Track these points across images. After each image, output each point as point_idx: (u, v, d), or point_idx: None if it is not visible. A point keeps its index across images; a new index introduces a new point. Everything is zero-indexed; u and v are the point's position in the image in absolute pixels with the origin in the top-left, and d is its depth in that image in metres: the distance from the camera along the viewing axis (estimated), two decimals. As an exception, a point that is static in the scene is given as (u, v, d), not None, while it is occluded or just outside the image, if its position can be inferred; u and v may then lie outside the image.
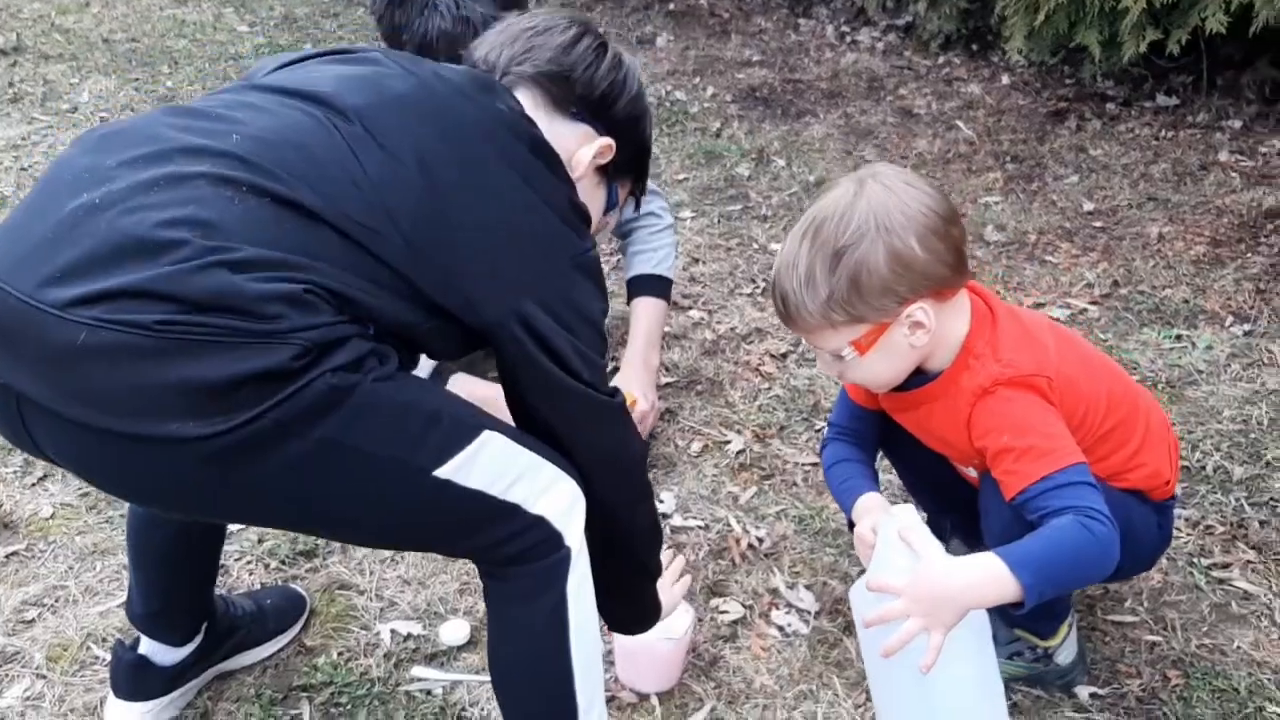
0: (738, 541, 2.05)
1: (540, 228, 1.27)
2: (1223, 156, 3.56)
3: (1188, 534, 2.01)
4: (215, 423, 1.06)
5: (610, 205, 1.51)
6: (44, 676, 1.80)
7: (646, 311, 2.37)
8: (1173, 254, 2.99)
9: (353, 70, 1.27)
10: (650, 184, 2.31)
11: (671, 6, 5.73)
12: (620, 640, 1.71)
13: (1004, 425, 1.46)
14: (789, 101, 4.33)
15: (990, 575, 1.33)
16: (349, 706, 1.74)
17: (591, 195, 1.45)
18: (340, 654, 1.84)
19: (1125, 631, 1.83)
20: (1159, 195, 3.34)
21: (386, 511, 1.23)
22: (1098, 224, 3.21)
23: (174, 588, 1.65)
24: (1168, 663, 1.77)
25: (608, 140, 1.43)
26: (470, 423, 1.23)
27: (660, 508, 2.14)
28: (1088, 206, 3.30)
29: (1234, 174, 3.44)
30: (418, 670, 1.80)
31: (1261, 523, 2.04)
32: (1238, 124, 3.78)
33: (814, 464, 2.21)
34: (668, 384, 2.50)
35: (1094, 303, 2.78)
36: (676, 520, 2.10)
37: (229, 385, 1.05)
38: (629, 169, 1.52)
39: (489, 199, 1.23)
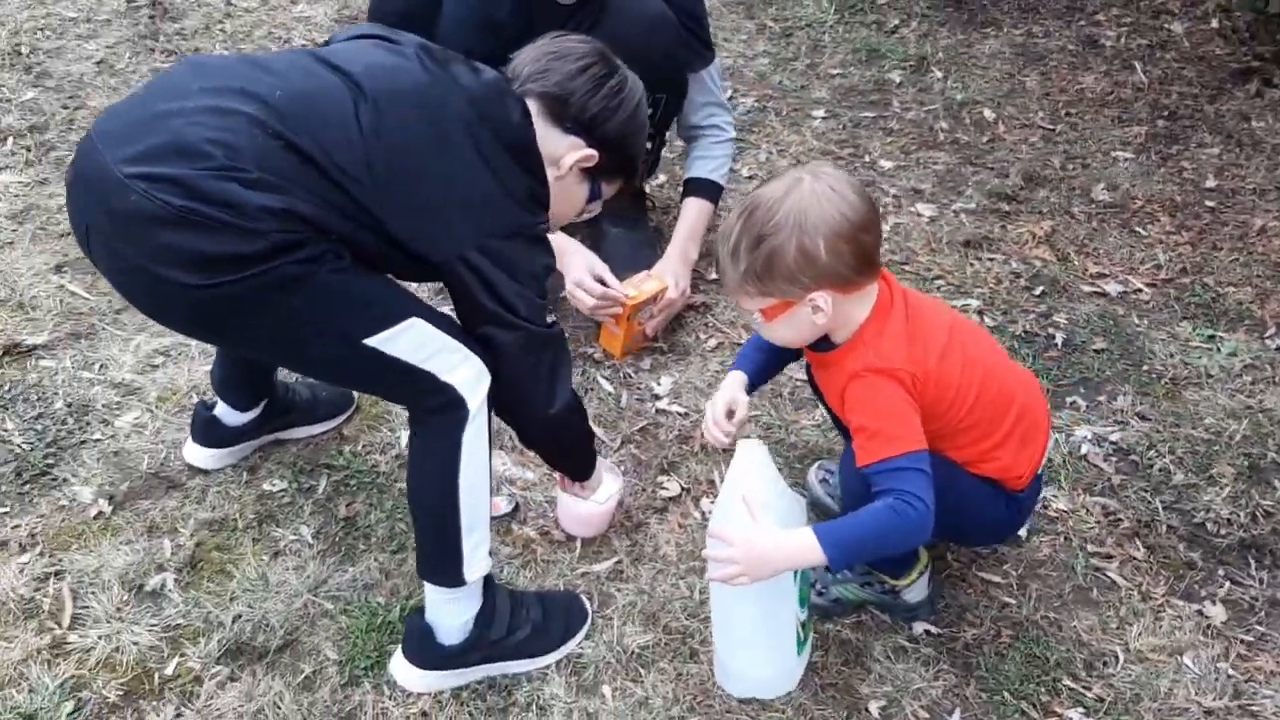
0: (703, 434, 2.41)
1: (493, 199, 1.66)
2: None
3: (1094, 521, 2.24)
4: (202, 279, 1.53)
5: (593, 197, 1.88)
6: (151, 411, 2.40)
7: (693, 210, 2.71)
8: (1260, 252, 3.01)
9: (384, 59, 1.67)
10: (720, 97, 2.60)
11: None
12: (560, 495, 2.15)
13: (864, 407, 1.75)
14: (981, 6, 4.33)
15: (804, 549, 1.67)
16: (354, 488, 2.26)
17: (573, 189, 1.85)
18: (363, 447, 2.35)
19: (988, 589, 2.12)
20: (1291, 186, 3.30)
21: (334, 362, 1.73)
22: (1209, 203, 3.22)
23: (242, 366, 2.18)
24: (1008, 622, 2.05)
25: (591, 151, 1.80)
26: (400, 310, 1.67)
27: (656, 389, 2.52)
28: (1210, 183, 3.30)
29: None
30: (414, 473, 2.29)
31: (1169, 528, 2.23)
32: None
33: (804, 380, 2.51)
34: (712, 280, 2.83)
35: (1151, 285, 2.89)
36: (664, 404, 2.48)
37: (215, 257, 1.51)
38: (617, 172, 1.88)
39: (453, 172, 1.63)
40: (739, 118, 3.55)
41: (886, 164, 3.37)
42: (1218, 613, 2.07)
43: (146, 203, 1.48)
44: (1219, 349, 2.67)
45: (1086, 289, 2.87)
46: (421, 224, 1.63)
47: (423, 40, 1.74)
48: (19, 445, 2.31)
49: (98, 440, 2.34)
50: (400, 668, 1.90)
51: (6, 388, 2.45)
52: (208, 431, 2.25)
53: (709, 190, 2.73)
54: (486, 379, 1.73)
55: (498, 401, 1.77)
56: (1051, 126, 3.59)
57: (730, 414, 1.96)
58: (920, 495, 1.66)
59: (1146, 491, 2.31)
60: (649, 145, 2.68)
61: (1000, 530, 1.98)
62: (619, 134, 1.82)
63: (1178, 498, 2.30)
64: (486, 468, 1.78)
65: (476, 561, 1.80)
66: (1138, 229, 3.11)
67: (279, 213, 1.51)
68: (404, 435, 2.38)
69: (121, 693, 1.89)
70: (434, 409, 1.72)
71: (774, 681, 1.87)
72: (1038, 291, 2.86)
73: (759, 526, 1.71)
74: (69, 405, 2.41)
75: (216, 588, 2.06)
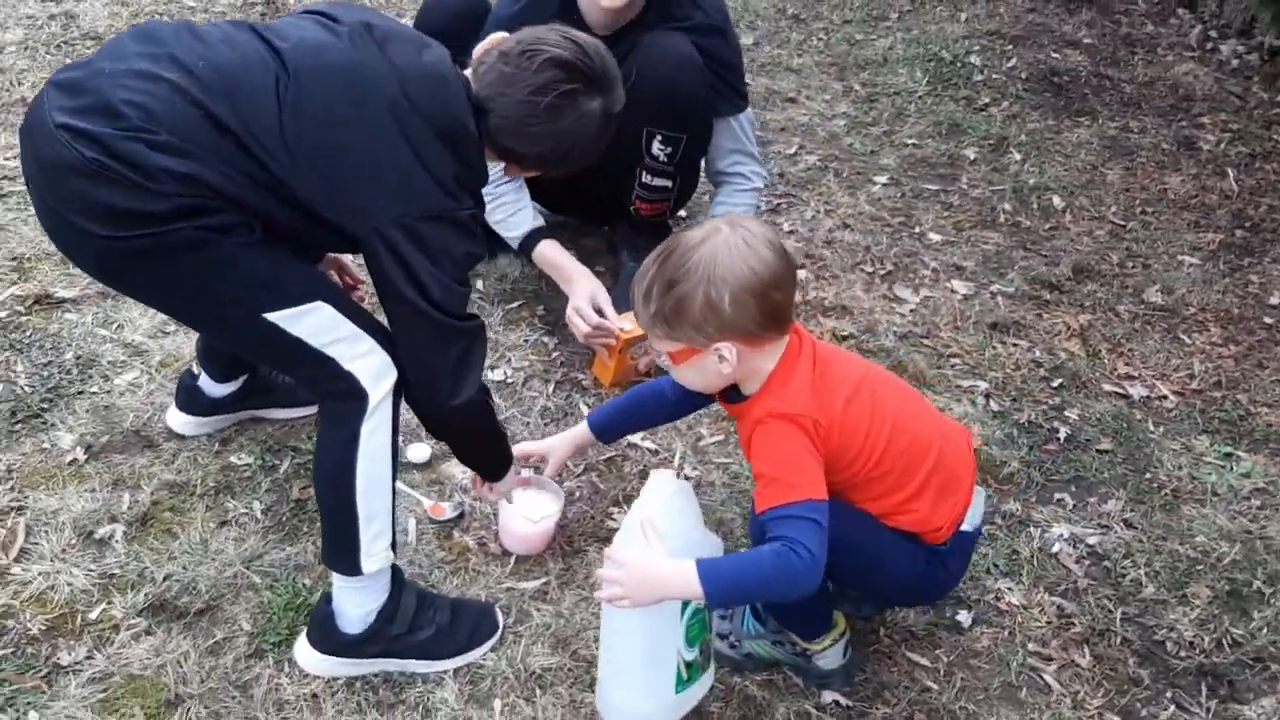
0: (668, 471, 2.40)
1: (414, 179, 1.69)
2: None
3: (1045, 620, 2.15)
4: (108, 230, 1.60)
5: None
6: (150, 374, 2.52)
7: None
8: (1307, 376, 2.86)
9: (316, 35, 1.73)
10: (749, 147, 2.61)
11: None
12: (501, 509, 2.17)
13: (766, 454, 1.73)
14: (1082, 96, 4.24)
15: (685, 579, 1.65)
16: (311, 469, 2.32)
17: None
18: (335, 435, 2.41)
19: (913, 670, 2.05)
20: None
21: (234, 331, 1.80)
22: (1268, 320, 3.08)
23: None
24: (924, 707, 1.98)
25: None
26: (306, 293, 1.71)
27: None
28: (1274, 300, 3.15)
29: None
30: (374, 468, 2.34)
31: (1124, 640, 2.12)
32: None
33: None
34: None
35: (1179, 393, 2.77)
36: (636, 437, 2.48)
37: (121, 211, 1.58)
38: (555, 169, 1.91)
39: (374, 149, 1.67)
40: (798, 174, 3.55)
41: (935, 237, 3.31)
42: (1152, 736, 1.96)
43: (66, 151, 1.56)
44: (1233, 468, 2.54)
45: (1108, 388, 2.77)
46: (340, 197, 1.67)
47: (368, 20, 1.77)
48: (22, 387, 2.45)
49: (94, 393, 2.46)
50: (301, 649, 1.94)
51: (28, 333, 2.60)
52: (189, 399, 2.35)
53: None
54: (392, 375, 1.77)
55: (405, 387, 1.79)
56: (1122, 222, 3.48)
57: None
58: (807, 544, 1.63)
59: (1110, 600, 2.20)
60: (669, 184, 2.72)
61: (925, 588, 1.92)
62: (557, 148, 1.82)
63: (1142, 611, 2.19)
64: (388, 462, 1.81)
65: (375, 553, 1.83)
66: (1182, 336, 2.99)
67: (180, 176, 1.57)
68: (377, 430, 2.43)
69: (44, 628, 1.97)
70: (334, 395, 1.77)
71: (649, 717, 1.84)
72: (1055, 384, 2.76)
73: (650, 552, 1.70)
74: (77, 358, 2.54)
75: (159, 545, 2.14)
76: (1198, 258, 3.33)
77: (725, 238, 1.69)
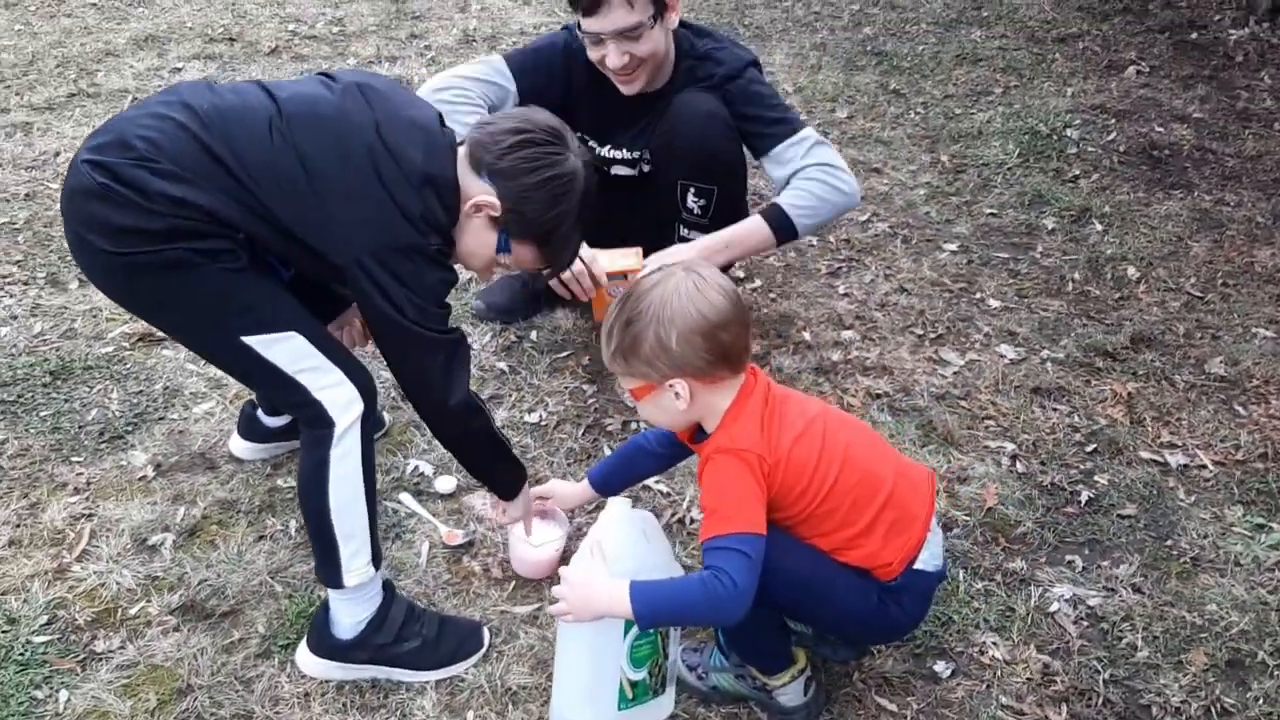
0: (675, 515, 2.51)
1: (387, 215, 1.89)
2: None
3: (1027, 676, 2.14)
4: (113, 246, 1.85)
5: (501, 249, 2.06)
6: (224, 405, 2.80)
7: (744, 223, 2.78)
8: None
9: (313, 90, 1.97)
10: (802, 151, 2.71)
11: (1194, 36, 5.49)
12: (510, 534, 2.33)
13: (710, 487, 1.84)
14: (1181, 169, 4.18)
15: (620, 598, 1.77)
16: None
17: (481, 233, 2.03)
18: (378, 464, 2.62)
19: (880, 715, 2.07)
20: None
21: (216, 349, 2.03)
22: (1337, 394, 2.97)
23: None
24: (884, 752, 2.02)
25: (493, 200, 1.98)
26: (282, 322, 1.93)
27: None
28: (1348, 374, 3.04)
29: None
30: (403, 495, 2.54)
31: (1106, 702, 2.10)
32: None
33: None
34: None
35: (1219, 463, 2.70)
36: (651, 480, 2.60)
37: (121, 228, 1.83)
38: (525, 235, 2.05)
39: (350, 186, 1.89)
40: (865, 239, 3.64)
41: (994, 303, 3.33)
42: (1113, 796, 1.94)
43: (85, 179, 1.84)
44: (1261, 539, 2.47)
45: (1145, 455, 2.73)
46: (322, 227, 1.90)
47: (362, 81, 2.01)
48: (113, 412, 2.77)
49: (172, 419, 2.75)
50: (301, 650, 2.13)
51: (128, 366, 2.93)
52: (248, 427, 2.61)
53: (771, 211, 2.78)
54: (359, 407, 1.96)
55: (407, 398, 2.03)
56: (1200, 294, 3.42)
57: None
58: (734, 575, 1.72)
59: (1100, 661, 2.18)
60: (690, 235, 2.86)
61: (880, 625, 1.94)
62: (522, 193, 1.98)
63: (1131, 674, 2.16)
64: (359, 487, 1.99)
65: (355, 569, 2.01)
66: (1238, 408, 2.91)
67: (175, 199, 1.81)
68: (414, 463, 2.64)
69: (89, 619, 2.23)
70: (306, 420, 1.97)
71: (592, 732, 1.95)
72: (1089, 449, 2.75)
73: (595, 571, 1.82)
74: (165, 388, 2.85)
75: (200, 554, 2.38)
76: (1273, 330, 3.23)
77: (678, 282, 1.82)
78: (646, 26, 2.63)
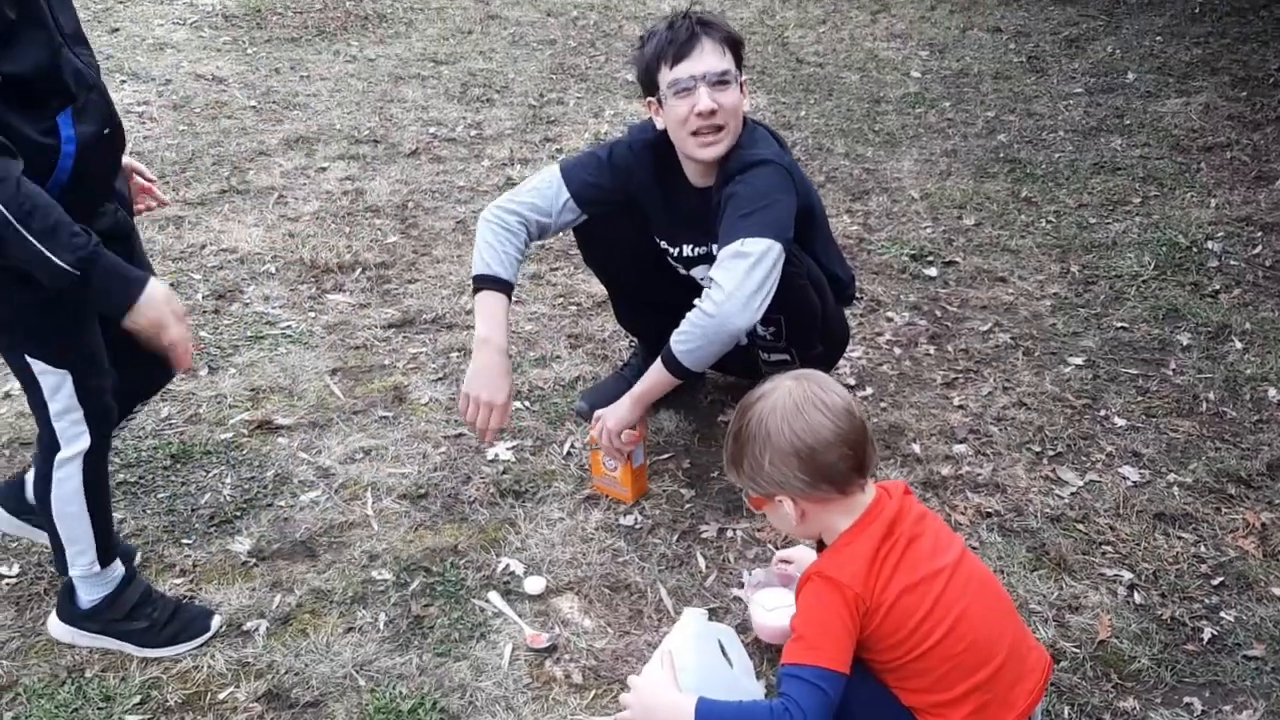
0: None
1: None
2: None
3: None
4: None
5: None
6: (330, 494, 2.85)
7: (651, 368, 2.63)
8: None
9: None
10: (739, 267, 2.42)
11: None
12: (750, 603, 2.36)
13: (803, 609, 1.79)
14: (1333, 284, 3.96)
15: (683, 714, 1.73)
16: (437, 593, 2.54)
17: None
18: (464, 560, 2.64)
19: None
20: None
21: (9, 352, 2.11)
22: None
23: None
24: None
25: None
26: (65, 362, 2.07)
27: (745, 578, 2.59)
28: None
29: None
30: (491, 594, 2.54)
31: None
32: None
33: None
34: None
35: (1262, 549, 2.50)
36: (738, 590, 2.53)
37: None
38: None
39: None
40: (984, 350, 3.54)
41: (1119, 422, 3.18)
42: None
43: None
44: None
45: (1278, 592, 2.54)
46: None
47: None
48: (225, 496, 2.85)
49: (280, 506, 2.82)
50: (51, 617, 2.39)
51: (244, 452, 3.03)
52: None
53: (665, 346, 2.57)
54: (82, 449, 2.15)
55: None
56: (1350, 420, 3.21)
57: None
58: (805, 709, 1.66)
59: (1216, 817, 2.01)
60: (786, 357, 2.80)
61: None
62: None
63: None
64: (81, 506, 2.20)
65: (78, 565, 2.27)
66: (1377, 540, 2.70)
67: None
68: (506, 561, 2.64)
69: (179, 700, 2.27)
70: (42, 434, 2.15)
71: None
72: (1216, 582, 2.57)
73: (663, 682, 1.78)
74: (276, 475, 2.93)
75: (291, 643, 2.41)
76: None
77: (780, 396, 1.81)
78: (734, 77, 2.61)
